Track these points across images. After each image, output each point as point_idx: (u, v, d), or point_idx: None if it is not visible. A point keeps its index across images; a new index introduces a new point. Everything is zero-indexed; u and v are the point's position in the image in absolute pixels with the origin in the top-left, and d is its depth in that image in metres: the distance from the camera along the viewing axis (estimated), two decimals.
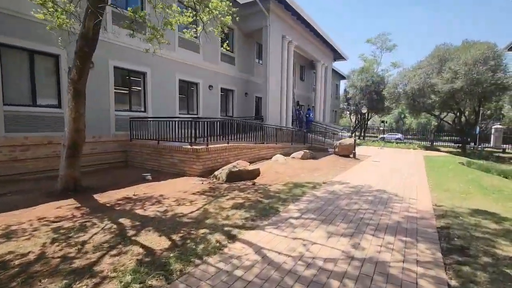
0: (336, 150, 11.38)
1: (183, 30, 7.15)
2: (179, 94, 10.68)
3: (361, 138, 27.73)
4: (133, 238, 3.07)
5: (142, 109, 9.35)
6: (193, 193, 5.15)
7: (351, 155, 10.97)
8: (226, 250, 2.84)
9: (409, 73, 20.83)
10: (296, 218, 3.87)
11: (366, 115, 29.03)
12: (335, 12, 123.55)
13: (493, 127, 25.84)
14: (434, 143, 28.48)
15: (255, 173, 7.12)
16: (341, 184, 6.16)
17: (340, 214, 4.04)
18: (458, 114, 20.68)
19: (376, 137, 26.37)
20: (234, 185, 5.97)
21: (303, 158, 9.98)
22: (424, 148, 19.33)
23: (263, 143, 10.27)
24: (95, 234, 3.16)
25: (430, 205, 4.58)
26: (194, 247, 2.87)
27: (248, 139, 9.71)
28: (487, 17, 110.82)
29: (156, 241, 2.99)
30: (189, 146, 7.13)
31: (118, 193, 5.10)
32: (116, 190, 5.35)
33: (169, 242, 2.97)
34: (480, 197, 5.18)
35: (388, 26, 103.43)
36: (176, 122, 7.63)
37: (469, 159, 12.11)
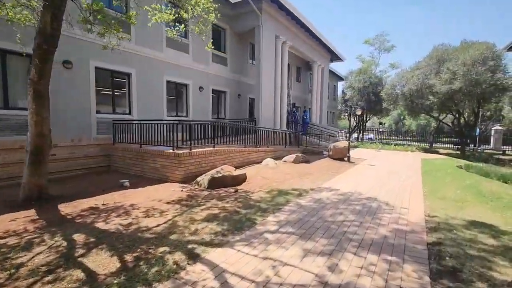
0: (330, 153, 11.02)
1: (166, 29, 6.80)
2: (168, 96, 10.33)
3: (359, 140, 27.36)
4: (79, 259, 2.69)
5: (127, 111, 9.00)
6: (168, 202, 4.78)
7: (346, 159, 10.59)
8: (182, 274, 2.47)
9: (407, 74, 20.50)
10: (273, 232, 3.49)
11: (364, 116, 28.67)
12: (334, 12, 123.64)
13: (493, 128, 25.47)
14: (434, 145, 28.18)
15: (241, 179, 6.75)
16: (330, 191, 5.79)
17: (322, 227, 3.67)
18: (457, 115, 20.30)
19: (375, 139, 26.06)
20: (215, 192, 5.60)
21: (295, 162, 9.62)
22: (423, 150, 18.96)
23: (255, 146, 9.91)
24: (39, 254, 2.79)
25: (422, 216, 4.20)
26: (146, 270, 2.50)
27: (238, 142, 9.36)
28: (485, 16, 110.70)
29: (105, 263, 2.62)
30: (171, 150, 6.76)
31: (86, 202, 4.73)
32: (86, 199, 4.98)
33: (119, 264, 2.60)
34: (478, 206, 4.81)
35: (385, 26, 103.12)
36: (160, 125, 7.27)
37: (468, 162, 11.72)
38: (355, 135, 30.35)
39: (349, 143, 10.40)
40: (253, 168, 8.34)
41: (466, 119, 21.98)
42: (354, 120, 29.80)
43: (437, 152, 19.70)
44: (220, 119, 12.93)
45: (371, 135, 26.30)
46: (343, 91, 28.21)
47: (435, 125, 28.01)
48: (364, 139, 28.65)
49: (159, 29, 9.38)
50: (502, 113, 31.86)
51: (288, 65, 19.35)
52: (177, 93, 10.83)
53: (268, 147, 10.68)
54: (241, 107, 14.30)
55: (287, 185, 6.34)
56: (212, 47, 6.80)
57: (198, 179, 6.39)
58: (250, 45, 14.36)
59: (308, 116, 17.82)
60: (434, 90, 17.54)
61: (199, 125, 8.04)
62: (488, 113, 31.25)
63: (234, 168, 7.04)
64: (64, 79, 7.21)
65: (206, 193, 5.54)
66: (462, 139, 20.34)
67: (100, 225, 3.66)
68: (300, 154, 9.96)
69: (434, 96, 17.98)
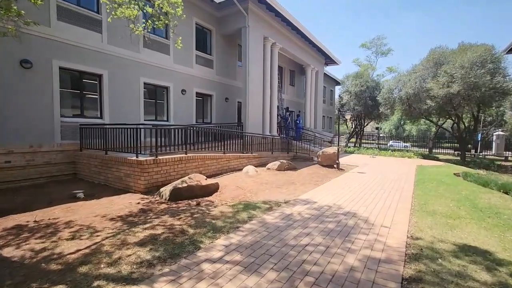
0: (319, 159, 10.35)
1: (131, 26, 6.23)
2: (146, 99, 9.77)
3: (356, 145, 26.67)
4: None
5: (98, 115, 8.41)
6: (112, 219, 4.13)
7: (335, 165, 9.92)
8: None
9: (403, 78, 19.91)
10: (214, 261, 2.83)
11: (362, 121, 28.02)
12: (332, 16, 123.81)
13: (494, 133, 24.70)
14: (434, 151, 27.45)
15: (212, 189, 6.10)
16: (306, 204, 5.12)
17: (278, 254, 3.00)
18: (456, 120, 19.61)
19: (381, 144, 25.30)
20: (175, 205, 4.95)
21: (279, 169, 8.96)
22: (422, 157, 18.24)
23: (237, 152, 9.28)
24: None
25: (404, 237, 3.53)
26: None
27: (220, 148, 8.72)
28: (484, 18, 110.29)
29: None
30: (134, 157, 6.14)
31: (17, 219, 4.10)
32: (21, 214, 4.34)
33: None
34: (472, 224, 4.12)
35: (383, 28, 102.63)
36: (131, 130, 6.55)
37: (467, 169, 11.01)
38: (352, 140, 29.68)
39: (338, 148, 9.73)
40: (229, 177, 7.69)
41: (466, 124, 21.28)
42: (352, 125, 29.14)
43: (437, 159, 18.98)
44: (206, 124, 12.34)
45: (403, 143, 25.07)
46: (339, 95, 27.63)
47: (435, 130, 27.27)
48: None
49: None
50: (504, 118, 31.15)
51: (281, 68, 18.88)
52: (156, 96, 10.27)
53: (252, 153, 10.05)
54: (228, 111, 13.72)
55: (260, 196, 5.68)
56: (181, 45, 6.18)
57: (161, 189, 5.75)
58: (239, 47, 13.85)
59: (301, 121, 17.19)
60: (431, 94, 16.90)
61: (176, 130, 7.42)
62: (490, 118, 30.54)
63: (205, 177, 6.38)
64: (23, 80, 6.65)
65: (164, 206, 4.89)
66: (463, 145, 19.59)
67: (7, 250, 3.01)
68: (285, 161, 9.30)
69: (432, 100, 17.32)
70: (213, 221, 3.99)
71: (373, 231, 3.75)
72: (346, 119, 29.60)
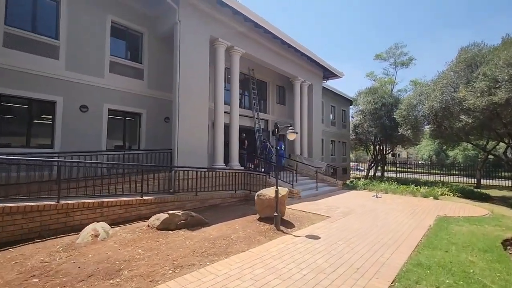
0: (256, 207, 6.37)
1: None
2: (8, 116, 7.04)
3: (371, 177, 21.43)
4: None
5: None
6: None
7: (282, 217, 5.80)
8: None
9: (426, 89, 15.21)
10: None
11: (383, 146, 22.81)
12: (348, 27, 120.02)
13: None
14: (485, 183, 20.95)
15: None
16: None
17: None
18: (510, 142, 14.00)
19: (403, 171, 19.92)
20: None
21: (164, 226, 5.24)
22: (461, 194, 12.80)
23: (154, 194, 5.82)
24: None
25: None
26: None
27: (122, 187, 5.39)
28: None
29: None
30: None
31: None
32: None
33: None
34: None
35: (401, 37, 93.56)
36: None
37: None
38: (371, 171, 24.32)
39: (276, 191, 5.66)
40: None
41: None
42: (373, 151, 23.96)
43: (486, 196, 13.33)
44: (130, 151, 9.22)
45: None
46: (352, 116, 23.19)
47: (483, 156, 20.97)
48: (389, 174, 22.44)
49: None
50: None
51: (264, 83, 15.58)
52: (30, 113, 7.46)
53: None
54: (170, 134, 10.49)
55: None
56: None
57: None
58: None
59: (282, 147, 13.28)
60: (465, 106, 12.02)
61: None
62: None
63: None
64: None
65: None
66: None
67: None
68: (180, 212, 5.53)
69: (469, 115, 12.33)
70: None
71: None
72: (367, 144, 24.63)
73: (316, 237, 5.08)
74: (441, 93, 13.53)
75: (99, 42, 8.59)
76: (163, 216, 5.36)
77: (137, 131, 9.74)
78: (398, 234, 5.43)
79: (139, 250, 4.24)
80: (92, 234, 4.51)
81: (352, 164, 37.70)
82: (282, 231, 5.46)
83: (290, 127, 6.02)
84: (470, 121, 12.13)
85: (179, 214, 5.49)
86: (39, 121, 7.65)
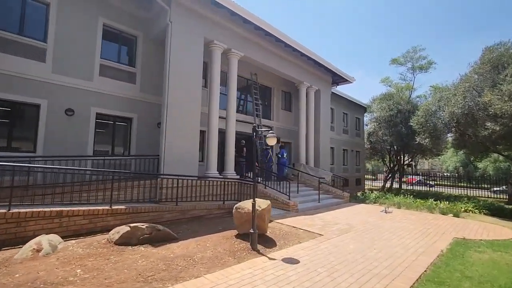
0: (234, 221, 5.62)
1: None
2: None
3: (386, 190, 19.88)
4: None
5: None
6: None
7: (256, 235, 5.03)
8: None
9: (446, 93, 13.87)
10: None
11: (400, 156, 21.21)
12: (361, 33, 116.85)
13: None
14: None
15: None
16: None
17: None
18: None
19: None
20: None
21: (122, 241, 4.63)
22: (488, 211, 11.22)
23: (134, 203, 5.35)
24: None
25: None
26: None
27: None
28: None
29: None
30: None
31: None
32: None
33: None
34: None
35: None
36: None
37: None
38: (388, 183, 22.68)
39: (253, 204, 4.88)
40: None
41: None
42: (390, 161, 22.37)
43: None
44: (114, 157, 8.84)
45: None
46: (366, 124, 21.89)
47: None
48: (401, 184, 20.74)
49: None
50: None
51: (269, 89, 14.97)
52: (12, 116, 7.28)
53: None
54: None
55: None
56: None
57: None
58: None
59: (285, 155, 12.47)
60: (492, 111, 10.65)
61: None
62: None
63: None
64: None
65: None
66: None
67: None
68: (144, 225, 4.91)
69: (496, 122, 10.93)
70: None
71: None
72: (383, 154, 23.09)
73: (295, 261, 4.24)
74: (463, 97, 12.20)
75: (89, 45, 8.42)
76: (124, 229, 4.77)
77: (127, 136, 9.40)
78: (399, 261, 4.45)
79: (78, 270, 3.64)
80: (34, 249, 3.99)
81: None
82: (258, 251, 4.67)
83: (271, 131, 5.29)
84: (498, 128, 10.72)
85: (143, 227, 4.87)
86: (21, 125, 7.46)
